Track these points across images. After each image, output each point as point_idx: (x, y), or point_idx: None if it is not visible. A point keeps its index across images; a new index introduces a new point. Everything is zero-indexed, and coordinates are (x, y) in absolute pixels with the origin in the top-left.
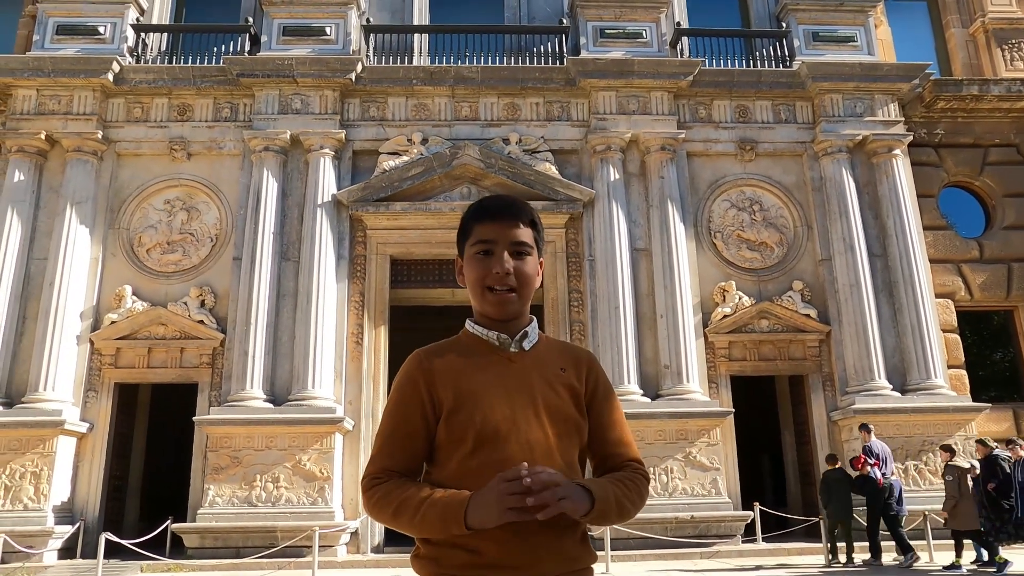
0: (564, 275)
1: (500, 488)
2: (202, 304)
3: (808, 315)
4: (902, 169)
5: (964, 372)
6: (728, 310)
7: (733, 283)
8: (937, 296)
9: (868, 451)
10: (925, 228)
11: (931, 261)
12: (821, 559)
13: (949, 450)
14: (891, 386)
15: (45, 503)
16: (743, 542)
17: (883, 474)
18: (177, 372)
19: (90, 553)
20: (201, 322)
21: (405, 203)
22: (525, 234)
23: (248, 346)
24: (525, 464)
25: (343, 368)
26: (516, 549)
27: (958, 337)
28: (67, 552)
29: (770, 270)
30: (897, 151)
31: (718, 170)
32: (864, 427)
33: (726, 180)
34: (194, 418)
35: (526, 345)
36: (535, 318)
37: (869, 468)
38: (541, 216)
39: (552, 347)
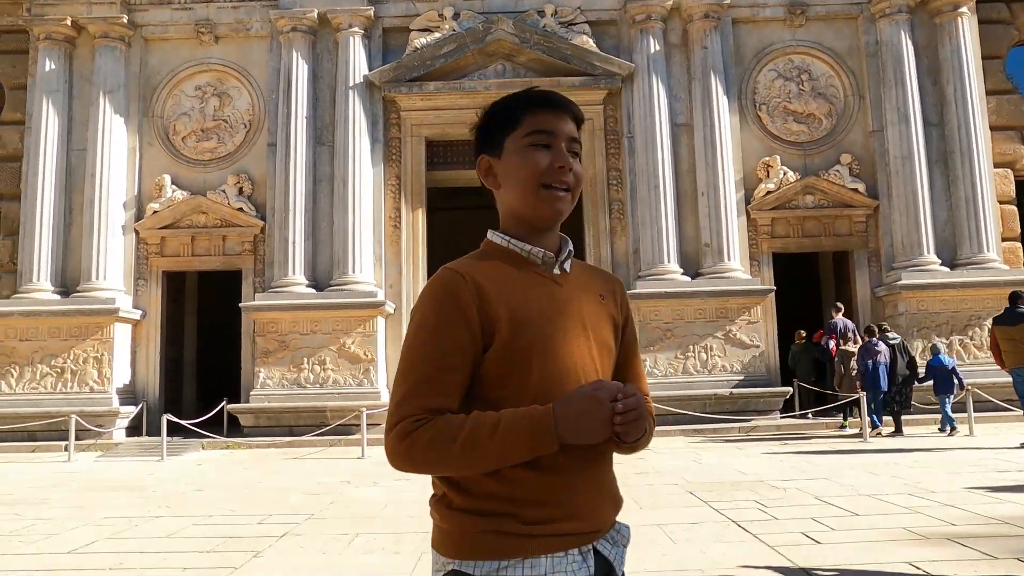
0: (602, 153)
1: (603, 403)
2: (240, 192)
3: (856, 189)
4: (967, 29)
5: (1020, 245)
6: (772, 186)
7: (778, 158)
8: (996, 166)
9: (830, 327)
10: (988, 93)
11: (992, 128)
12: (856, 432)
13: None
14: (939, 261)
15: (109, 386)
16: (781, 418)
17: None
18: (221, 260)
19: (154, 431)
20: (240, 210)
21: (438, 83)
22: (577, 132)
23: (288, 232)
24: (619, 384)
25: (382, 252)
26: (579, 501)
27: (1015, 208)
28: (133, 430)
29: (817, 143)
30: (963, 8)
31: (765, 37)
32: (835, 306)
33: (773, 48)
34: (240, 304)
35: (567, 267)
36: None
37: (825, 341)
38: (579, 92)
39: (586, 271)
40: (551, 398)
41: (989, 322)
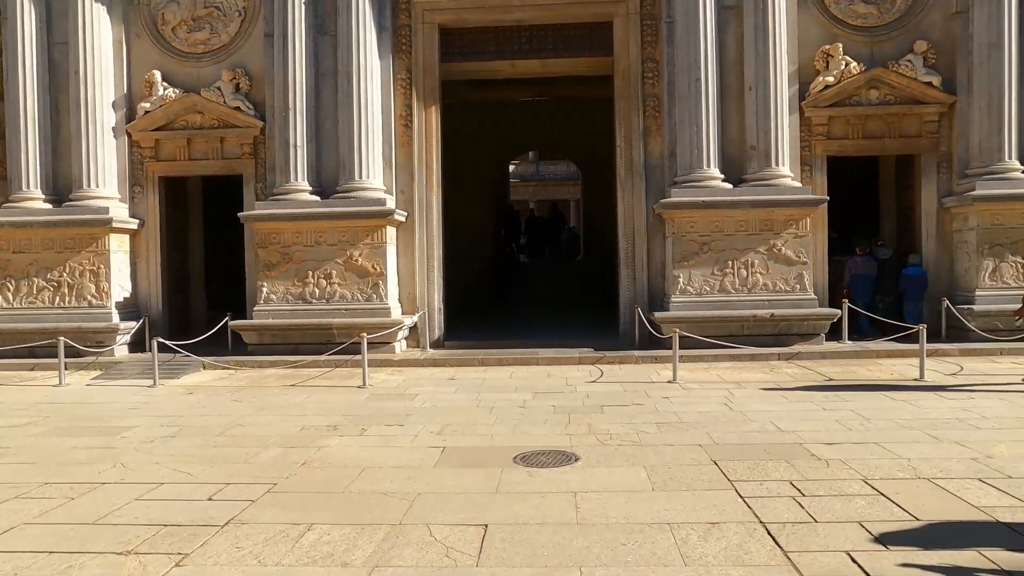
0: (637, 41)
1: None
2: (237, 88)
3: (930, 83)
4: None
5: None
6: (831, 79)
7: (840, 45)
8: None
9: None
10: None
11: None
12: (909, 366)
13: None
14: (1022, 168)
15: (107, 300)
16: (826, 343)
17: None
18: (220, 164)
19: (160, 346)
20: (238, 108)
21: None
22: None
23: (289, 134)
24: None
25: (392, 155)
26: None
27: None
28: (138, 345)
29: (888, 28)
30: None
31: None
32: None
33: None
34: (239, 214)
35: None
36: None
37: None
38: None
39: None
40: None
41: None
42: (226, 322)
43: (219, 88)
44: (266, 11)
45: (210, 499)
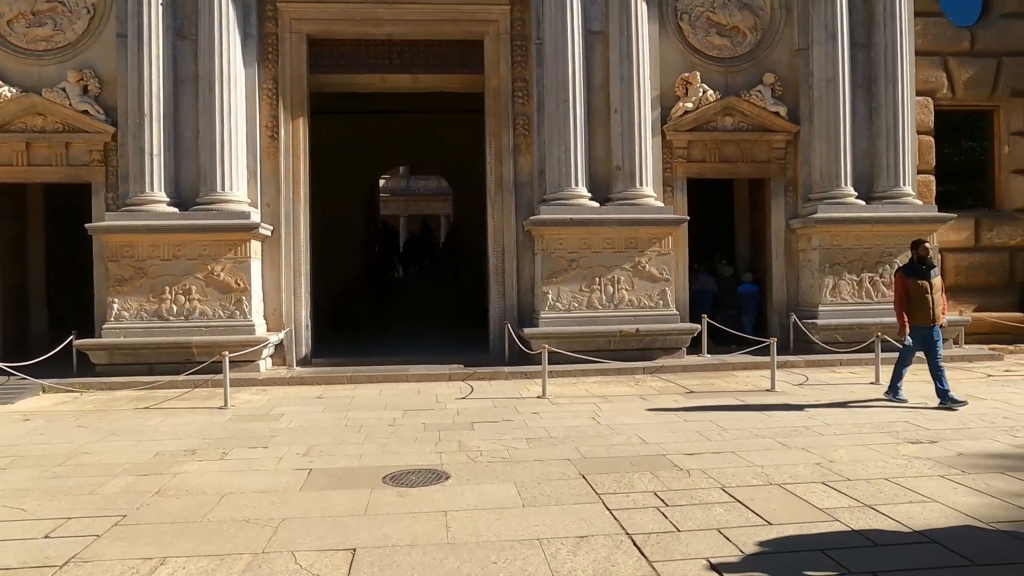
0: (508, 61)
1: None
2: (85, 91)
3: (777, 112)
4: None
5: (933, 178)
6: (690, 105)
7: (698, 74)
8: (917, 93)
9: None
10: (916, 15)
11: (916, 53)
12: (761, 377)
13: None
14: (856, 193)
15: None
16: (687, 356)
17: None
18: (65, 171)
19: None
20: (85, 112)
21: None
22: None
23: (144, 141)
24: None
25: (257, 167)
26: None
27: (932, 140)
28: None
29: (740, 60)
30: None
31: None
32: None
33: None
34: (87, 225)
35: None
36: None
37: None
38: None
39: None
40: None
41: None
42: (71, 341)
43: (64, 90)
44: (118, 10)
45: (47, 536)
